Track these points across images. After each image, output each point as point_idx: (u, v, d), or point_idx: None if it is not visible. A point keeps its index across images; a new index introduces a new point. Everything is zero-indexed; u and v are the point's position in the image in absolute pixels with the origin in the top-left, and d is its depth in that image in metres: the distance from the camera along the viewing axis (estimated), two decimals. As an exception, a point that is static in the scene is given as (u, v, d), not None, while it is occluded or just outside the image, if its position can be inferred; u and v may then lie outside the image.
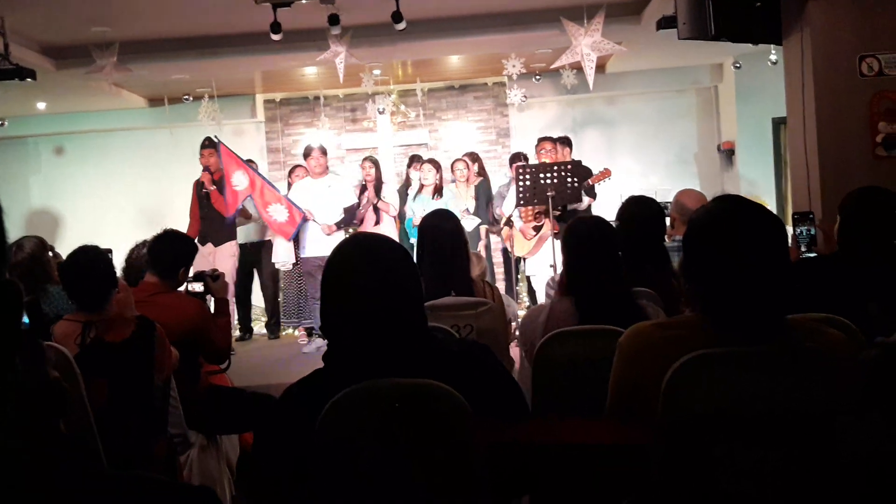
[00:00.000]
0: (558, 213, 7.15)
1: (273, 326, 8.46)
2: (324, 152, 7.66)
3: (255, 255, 8.25)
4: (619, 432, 1.90)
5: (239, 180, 7.48)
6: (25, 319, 2.00)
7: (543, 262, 7.55)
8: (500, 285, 8.46)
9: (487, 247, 8.21)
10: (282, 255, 7.79)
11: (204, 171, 7.73)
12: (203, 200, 7.76)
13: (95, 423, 3.00)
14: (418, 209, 7.73)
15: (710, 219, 1.94)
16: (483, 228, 8.12)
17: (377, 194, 8.02)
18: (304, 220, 7.38)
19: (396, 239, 6.64)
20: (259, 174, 7.71)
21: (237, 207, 7.54)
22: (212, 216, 7.71)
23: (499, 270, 9.30)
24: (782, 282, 1.86)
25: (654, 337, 1.94)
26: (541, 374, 2.90)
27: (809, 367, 1.81)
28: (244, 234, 8.22)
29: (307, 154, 7.71)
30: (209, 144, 7.81)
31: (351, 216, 7.63)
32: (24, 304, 1.94)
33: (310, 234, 7.47)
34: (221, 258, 7.58)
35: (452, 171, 8.33)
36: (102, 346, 3.19)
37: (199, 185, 7.84)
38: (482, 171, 8.51)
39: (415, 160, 8.66)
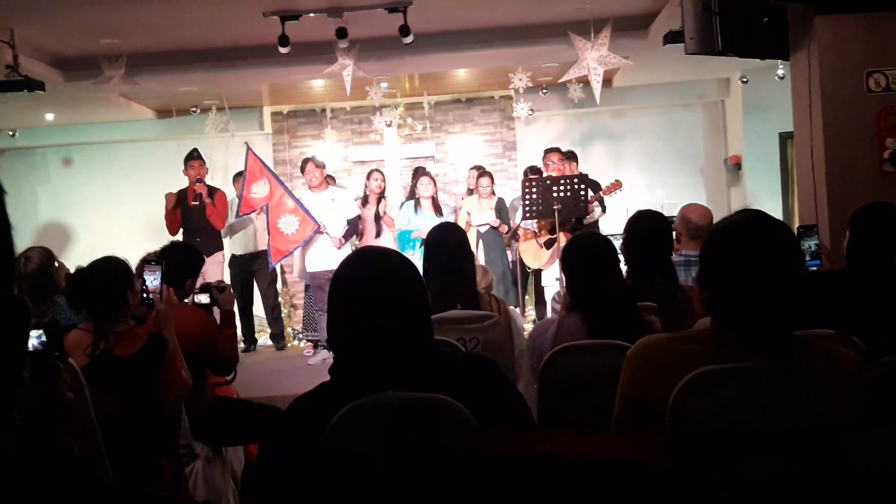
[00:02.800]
0: (570, 225, 7.16)
1: (278, 337, 8.46)
2: (318, 165, 7.66)
3: (252, 266, 8.27)
4: (626, 445, 1.90)
5: (258, 189, 7.55)
6: (43, 339, 1.99)
7: (554, 274, 7.57)
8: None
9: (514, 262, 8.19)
10: (297, 270, 7.87)
11: (197, 182, 7.77)
12: (192, 212, 7.79)
13: (101, 436, 2.99)
14: (421, 223, 7.75)
15: (728, 230, 1.96)
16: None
17: (378, 207, 8.06)
18: (317, 232, 7.40)
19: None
20: (282, 183, 7.73)
21: (247, 213, 7.67)
22: (201, 227, 7.75)
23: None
24: (793, 298, 1.87)
25: (663, 350, 1.95)
26: (547, 388, 2.90)
27: (817, 383, 1.81)
28: (242, 244, 8.24)
29: (304, 166, 7.81)
30: (197, 156, 7.87)
31: (354, 228, 7.64)
32: (43, 325, 1.94)
33: (318, 247, 7.49)
34: (211, 268, 7.63)
35: (477, 184, 8.31)
36: (111, 359, 3.18)
37: (182, 195, 7.87)
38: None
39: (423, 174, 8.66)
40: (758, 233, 1.91)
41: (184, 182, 8.03)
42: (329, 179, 8.34)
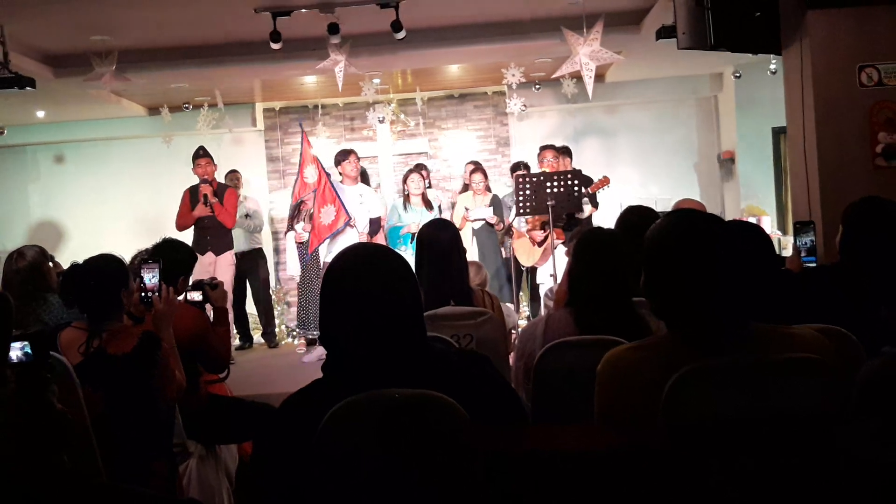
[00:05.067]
0: (563, 221, 7.16)
1: (270, 335, 8.44)
2: (356, 158, 7.64)
3: (248, 264, 8.25)
4: (620, 439, 1.89)
5: (310, 173, 7.56)
6: (28, 350, 1.98)
7: (548, 271, 7.55)
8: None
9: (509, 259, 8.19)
10: (292, 268, 7.83)
11: (203, 182, 7.70)
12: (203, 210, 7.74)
13: (94, 435, 2.97)
14: (411, 219, 7.73)
15: (663, 235, 1.96)
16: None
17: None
18: (348, 224, 7.37)
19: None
20: (326, 173, 7.62)
21: (301, 197, 7.67)
22: (213, 225, 7.71)
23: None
24: (741, 291, 1.88)
25: (630, 360, 1.95)
26: (540, 386, 2.89)
27: (801, 374, 1.82)
28: (237, 243, 8.21)
29: (344, 158, 7.66)
30: (204, 153, 7.80)
31: (376, 228, 7.61)
32: (29, 336, 1.93)
33: (340, 241, 7.43)
34: (222, 267, 7.62)
35: (470, 180, 8.29)
36: (104, 358, 3.16)
37: (193, 192, 7.81)
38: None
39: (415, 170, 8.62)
40: (688, 234, 1.92)
41: (176, 179, 8.00)
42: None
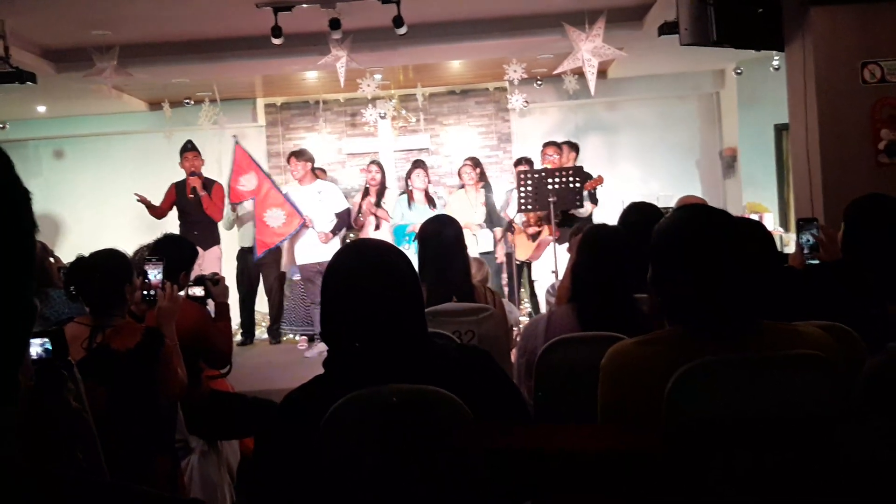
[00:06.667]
0: (558, 218, 7.16)
1: (275, 331, 8.44)
2: (302, 158, 7.71)
3: (269, 258, 8.23)
4: (622, 438, 1.89)
5: (246, 182, 7.63)
6: (48, 346, 1.98)
7: (547, 267, 7.54)
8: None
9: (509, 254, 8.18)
10: (284, 262, 7.85)
11: (192, 175, 7.74)
12: (189, 205, 7.76)
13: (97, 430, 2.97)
14: (415, 217, 7.71)
15: (670, 231, 1.96)
16: (498, 231, 8.10)
17: (379, 200, 8.03)
18: (303, 226, 7.44)
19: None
20: (269, 178, 7.89)
21: (237, 203, 7.85)
22: (199, 220, 7.72)
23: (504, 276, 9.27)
24: (750, 287, 1.89)
25: (635, 355, 1.95)
26: (543, 382, 2.89)
27: (804, 371, 1.82)
28: (251, 238, 8.21)
29: (288, 161, 7.91)
30: (192, 147, 7.85)
31: (344, 221, 7.61)
32: (49, 333, 1.92)
33: (305, 240, 7.48)
34: (209, 262, 7.61)
35: (460, 176, 8.28)
36: (107, 353, 3.16)
37: (180, 187, 7.83)
38: (483, 177, 8.49)
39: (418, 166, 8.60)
40: (701, 228, 1.93)
41: (176, 174, 8.01)
42: (320, 172, 8.34)
